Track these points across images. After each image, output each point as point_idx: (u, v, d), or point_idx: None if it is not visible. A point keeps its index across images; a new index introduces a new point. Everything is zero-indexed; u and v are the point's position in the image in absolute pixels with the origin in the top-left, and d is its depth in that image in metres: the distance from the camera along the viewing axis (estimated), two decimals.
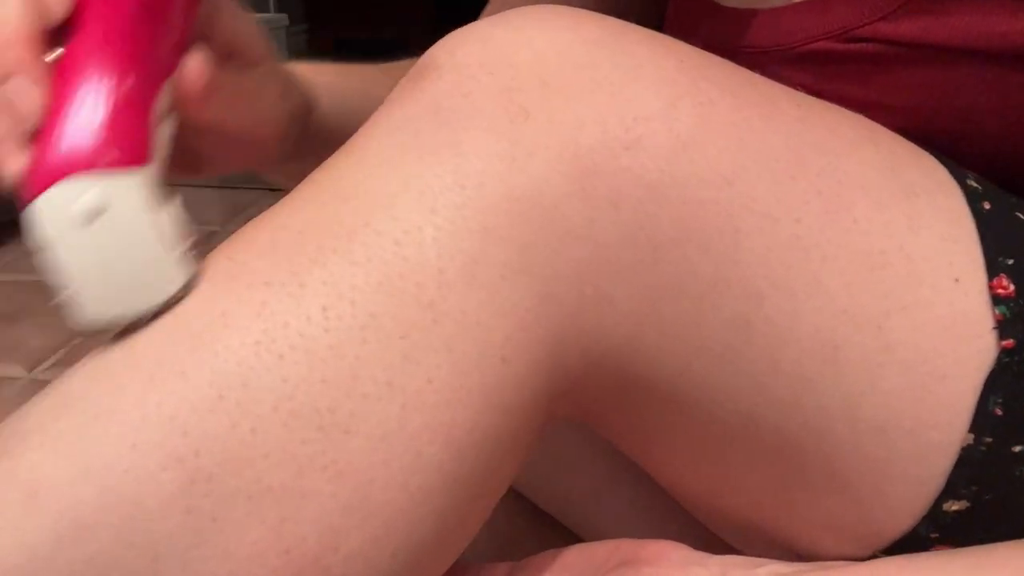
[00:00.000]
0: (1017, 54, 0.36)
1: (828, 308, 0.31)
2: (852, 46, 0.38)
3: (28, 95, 0.29)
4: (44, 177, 0.28)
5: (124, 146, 0.29)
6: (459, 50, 0.32)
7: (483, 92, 0.30)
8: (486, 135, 0.30)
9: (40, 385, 0.84)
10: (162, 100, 0.31)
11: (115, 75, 0.29)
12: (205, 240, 1.37)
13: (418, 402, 0.27)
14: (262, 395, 0.26)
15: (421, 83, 0.31)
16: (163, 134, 0.31)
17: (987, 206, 0.34)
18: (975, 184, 0.35)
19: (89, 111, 0.28)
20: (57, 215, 0.27)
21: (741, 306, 0.30)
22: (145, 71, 0.30)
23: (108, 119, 0.28)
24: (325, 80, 0.49)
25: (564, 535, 0.60)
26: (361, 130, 0.32)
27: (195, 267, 0.29)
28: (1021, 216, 0.34)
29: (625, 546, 0.35)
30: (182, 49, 0.32)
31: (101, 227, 0.27)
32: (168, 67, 0.32)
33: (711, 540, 0.48)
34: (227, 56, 0.38)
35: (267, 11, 2.61)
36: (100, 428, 0.26)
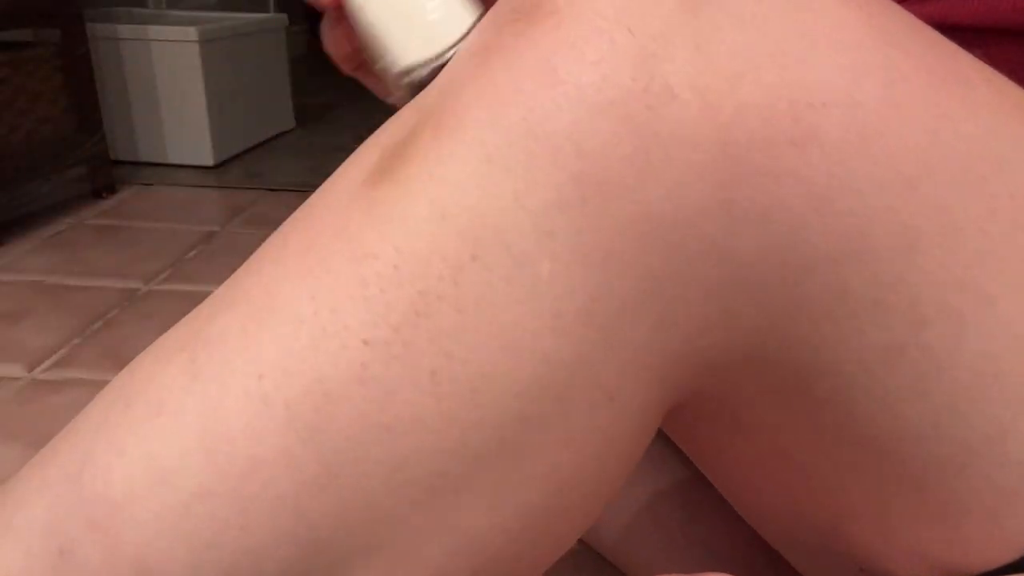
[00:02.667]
0: None
1: (999, 334, 0.26)
2: None
3: None
4: None
5: None
6: None
7: (617, 59, 0.24)
8: (617, 128, 0.23)
9: (40, 385, 0.84)
10: None
11: None
12: (205, 240, 1.36)
13: (527, 454, 0.25)
14: (373, 469, 0.24)
15: (531, 30, 0.25)
16: None
17: None
18: None
19: None
20: None
21: (896, 332, 0.26)
22: None
23: None
24: None
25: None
26: (451, 92, 0.26)
27: (479, 10, 0.30)
28: None
29: None
30: None
31: None
32: None
33: (718, 556, 0.48)
34: None
35: (267, 11, 2.61)
36: (206, 509, 0.24)
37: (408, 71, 0.31)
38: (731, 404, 0.30)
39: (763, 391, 0.28)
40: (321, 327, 0.24)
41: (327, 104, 2.31)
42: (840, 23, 0.25)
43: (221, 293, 0.27)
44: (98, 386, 0.88)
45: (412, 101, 0.28)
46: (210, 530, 0.24)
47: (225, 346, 0.25)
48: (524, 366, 0.24)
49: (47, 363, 0.88)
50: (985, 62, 0.29)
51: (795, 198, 0.24)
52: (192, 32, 1.63)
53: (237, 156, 1.80)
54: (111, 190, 1.50)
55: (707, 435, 0.33)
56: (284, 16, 2.02)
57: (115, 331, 0.95)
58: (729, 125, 0.24)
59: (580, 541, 0.58)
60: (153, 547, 0.24)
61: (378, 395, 0.24)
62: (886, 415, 0.27)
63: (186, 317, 0.28)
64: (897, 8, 0.27)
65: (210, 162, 1.71)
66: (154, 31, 1.65)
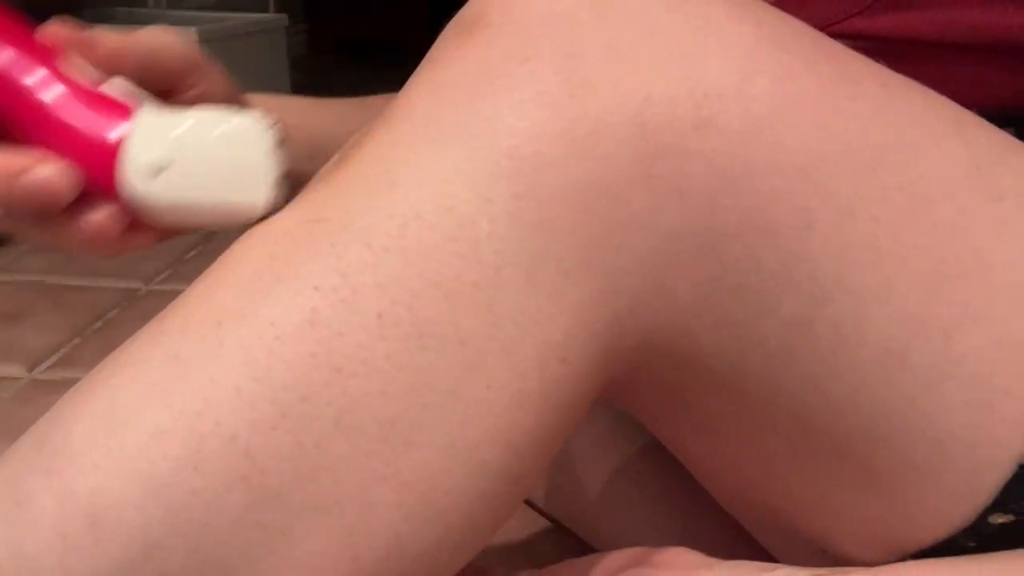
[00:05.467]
0: (993, 47, 0.36)
1: (897, 314, 0.29)
2: None
3: (52, 172, 0.31)
4: (104, 181, 0.32)
5: (107, 113, 0.32)
6: (516, 2, 0.29)
7: (542, 58, 0.28)
8: (544, 112, 0.27)
9: (40, 385, 0.84)
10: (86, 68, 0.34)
11: (43, 78, 0.32)
12: (205, 240, 1.35)
13: (479, 410, 0.27)
14: (323, 410, 0.25)
15: (470, 41, 0.29)
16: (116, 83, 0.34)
17: None
18: None
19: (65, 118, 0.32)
20: (135, 187, 0.32)
21: (804, 306, 0.29)
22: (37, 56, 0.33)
23: (77, 110, 0.32)
24: (291, 123, 0.44)
25: (578, 545, 0.60)
26: (402, 96, 0.30)
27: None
28: None
29: (638, 552, 0.35)
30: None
31: (172, 166, 0.31)
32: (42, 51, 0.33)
33: (719, 546, 0.48)
34: (179, 83, 0.40)
35: (267, 11, 2.61)
36: (159, 449, 0.25)
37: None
38: (677, 388, 0.32)
39: (701, 373, 0.31)
40: (275, 275, 0.27)
41: None
42: (735, 31, 0.29)
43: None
44: None
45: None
46: (163, 470, 0.25)
47: (189, 305, 0.28)
48: (467, 313, 0.27)
49: (47, 363, 0.88)
50: (940, 77, 0.33)
51: (704, 176, 0.28)
52: (192, 32, 1.63)
53: None
54: None
55: (666, 421, 0.36)
56: (284, 16, 2.02)
57: (115, 331, 0.95)
58: (640, 111, 0.28)
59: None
60: (105, 489, 0.25)
61: (327, 336, 0.26)
62: (808, 391, 0.30)
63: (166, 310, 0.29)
64: (789, 19, 0.31)
65: None
66: None
